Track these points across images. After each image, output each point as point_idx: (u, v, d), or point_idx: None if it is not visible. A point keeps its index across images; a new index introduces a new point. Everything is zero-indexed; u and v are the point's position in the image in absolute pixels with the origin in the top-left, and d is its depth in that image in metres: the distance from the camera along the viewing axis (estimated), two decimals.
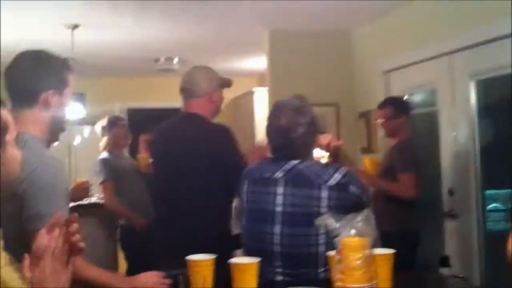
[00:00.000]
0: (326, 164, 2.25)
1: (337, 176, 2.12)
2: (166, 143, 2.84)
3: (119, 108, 7.92)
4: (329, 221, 1.64)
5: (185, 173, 2.68)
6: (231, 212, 2.82)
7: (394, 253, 1.80)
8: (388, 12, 4.47)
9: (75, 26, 4.62)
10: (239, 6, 4.31)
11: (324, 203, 2.07)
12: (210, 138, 2.69)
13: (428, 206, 3.89)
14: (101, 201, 4.56)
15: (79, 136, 7.54)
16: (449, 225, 3.84)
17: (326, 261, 1.99)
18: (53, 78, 1.88)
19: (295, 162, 2.16)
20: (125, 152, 4.58)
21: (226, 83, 2.89)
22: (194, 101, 2.78)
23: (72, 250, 1.34)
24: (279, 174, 2.16)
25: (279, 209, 2.12)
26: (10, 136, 1.32)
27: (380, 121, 3.87)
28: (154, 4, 4.13)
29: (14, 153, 1.35)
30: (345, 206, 2.02)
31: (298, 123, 2.15)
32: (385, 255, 1.78)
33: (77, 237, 1.35)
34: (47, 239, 1.32)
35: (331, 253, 1.77)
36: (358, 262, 1.57)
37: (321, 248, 2.06)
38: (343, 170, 2.16)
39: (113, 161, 4.26)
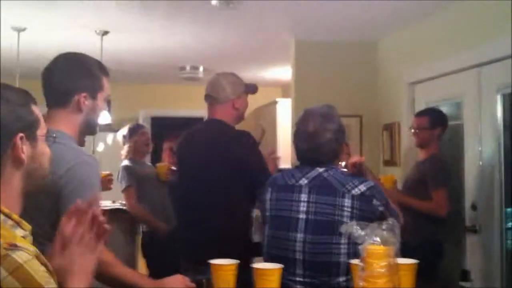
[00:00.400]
0: (352, 175, 2.25)
1: (362, 187, 2.14)
2: (189, 148, 2.89)
3: (143, 115, 8.02)
4: (354, 228, 1.64)
5: (206, 178, 2.71)
6: (251, 219, 2.83)
7: (418, 264, 1.79)
8: (414, 23, 4.46)
9: (105, 32, 4.70)
10: (266, 16, 4.35)
11: (347, 212, 2.09)
12: (231, 142, 2.72)
13: (451, 219, 3.85)
14: (124, 207, 4.61)
15: (102, 143, 7.62)
16: (471, 240, 3.80)
17: (347, 271, 2.02)
18: (86, 81, 1.92)
19: (320, 169, 2.19)
20: (147, 160, 4.61)
21: (251, 89, 2.91)
22: (217, 108, 2.82)
23: (98, 233, 1.36)
24: (304, 181, 2.19)
25: (302, 216, 2.14)
26: (41, 132, 1.36)
27: (413, 130, 3.80)
28: (182, 12, 4.19)
29: (44, 148, 1.39)
30: (368, 218, 2.02)
31: (326, 128, 2.19)
32: (408, 264, 1.77)
33: (101, 219, 1.37)
34: (71, 226, 1.35)
35: (354, 261, 1.77)
36: (382, 270, 1.57)
37: (343, 258, 2.07)
38: (370, 183, 2.17)
39: (135, 168, 4.30)
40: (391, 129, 4.89)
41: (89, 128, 1.99)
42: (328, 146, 2.19)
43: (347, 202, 2.10)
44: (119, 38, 4.96)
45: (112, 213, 4.57)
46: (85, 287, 1.33)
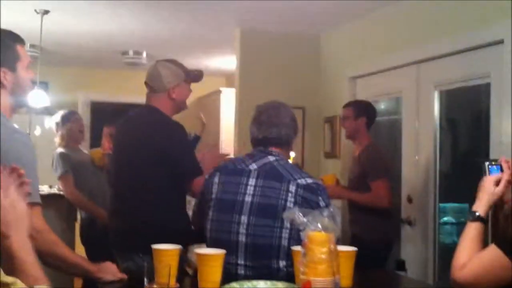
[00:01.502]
0: (301, 169, 2.35)
1: (308, 180, 2.22)
2: (122, 135, 2.85)
3: (82, 99, 7.81)
4: (296, 214, 1.67)
5: (133, 166, 2.69)
6: (183, 205, 2.81)
7: (368, 257, 1.84)
8: (358, 18, 4.55)
9: (46, 12, 4.55)
10: (212, 4, 4.33)
11: (291, 197, 2.14)
12: (156, 132, 2.67)
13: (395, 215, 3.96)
14: (61, 193, 4.49)
15: (39, 126, 7.39)
16: (406, 231, 3.93)
17: (288, 256, 2.08)
18: (3, 55, 1.82)
19: (271, 158, 2.26)
20: (83, 147, 4.52)
21: (194, 77, 2.86)
22: (153, 96, 2.77)
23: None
24: (253, 166, 2.25)
25: (248, 199, 2.19)
26: None
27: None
28: None
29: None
30: (311, 208, 2.06)
31: (282, 116, 2.31)
32: (348, 251, 1.82)
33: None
34: None
35: (296, 248, 1.80)
36: (323, 256, 1.60)
37: (284, 242, 2.12)
38: (318, 181, 2.28)
39: (71, 154, 4.20)
40: (332, 122, 4.98)
41: (19, 101, 1.90)
42: (283, 132, 2.29)
43: (292, 188, 2.16)
44: (61, 18, 4.81)
45: (49, 198, 4.45)
46: (22, 236, 1.30)
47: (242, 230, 2.16)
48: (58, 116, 4.38)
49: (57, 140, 4.34)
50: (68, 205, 4.47)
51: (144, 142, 2.66)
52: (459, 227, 3.81)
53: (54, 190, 4.88)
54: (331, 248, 1.63)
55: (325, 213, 1.68)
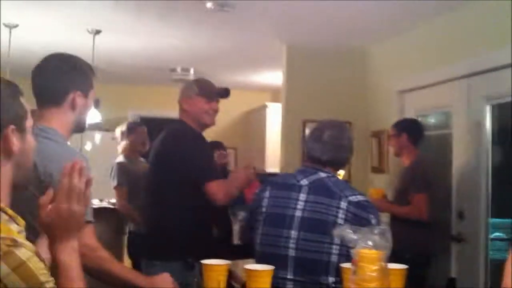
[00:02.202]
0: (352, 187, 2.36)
1: (360, 197, 2.23)
2: (153, 149, 3.06)
3: (132, 116, 7.98)
4: (346, 232, 1.66)
5: (156, 177, 2.88)
6: (203, 215, 2.85)
7: (406, 272, 1.81)
8: (405, 32, 4.50)
9: (98, 32, 4.69)
10: (258, 20, 4.37)
11: (342, 214, 2.15)
12: (171, 140, 2.88)
13: (438, 228, 3.89)
14: (112, 206, 4.58)
15: (90, 142, 7.58)
16: (457, 248, 3.83)
17: (337, 272, 2.05)
18: (80, 80, 1.95)
19: (323, 175, 2.28)
20: (141, 159, 4.59)
21: (215, 93, 3.00)
22: (179, 110, 3.00)
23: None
24: (304, 182, 2.27)
25: (298, 214, 2.20)
26: (28, 123, 1.36)
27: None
28: (175, 13, 4.20)
29: (31, 140, 1.39)
30: (361, 225, 2.04)
31: (344, 137, 2.34)
32: (398, 269, 1.79)
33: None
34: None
35: (346, 265, 1.78)
36: (374, 274, 1.59)
37: (333, 258, 2.13)
38: (368, 199, 2.29)
39: (128, 166, 4.30)
40: (379, 137, 4.92)
41: (80, 126, 2.02)
42: (340, 152, 2.33)
43: (343, 205, 2.17)
44: (111, 38, 4.95)
45: (99, 212, 4.54)
46: (73, 244, 1.34)
47: (292, 244, 2.17)
48: (124, 126, 4.47)
49: (119, 148, 4.45)
50: (117, 218, 4.56)
51: (163, 152, 2.86)
52: (509, 243, 3.71)
53: (105, 204, 4.97)
54: (382, 266, 1.61)
55: (376, 230, 1.67)
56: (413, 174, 3.68)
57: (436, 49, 4.16)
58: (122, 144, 4.43)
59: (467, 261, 3.72)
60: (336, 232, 1.76)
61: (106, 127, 7.59)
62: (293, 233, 2.17)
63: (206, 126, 2.97)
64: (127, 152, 4.38)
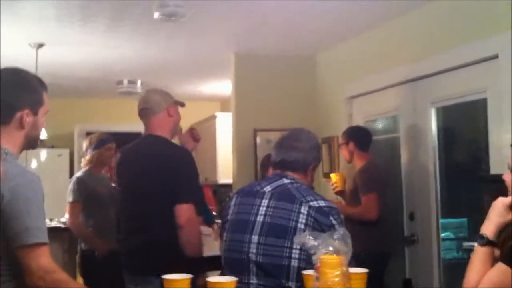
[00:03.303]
0: (316, 193, 2.36)
1: (321, 203, 2.22)
2: (129, 164, 2.92)
3: (78, 130, 7.82)
4: (307, 238, 1.66)
5: (142, 190, 2.76)
6: None
7: (367, 273, 1.83)
8: (351, 38, 4.59)
9: (41, 45, 4.57)
10: (206, 29, 4.36)
11: (303, 219, 2.15)
12: (170, 158, 2.76)
13: (391, 228, 3.96)
14: (62, 225, 4.46)
15: (35, 159, 7.37)
16: (410, 249, 3.91)
17: (299, 277, 2.06)
18: (28, 97, 1.87)
19: (286, 181, 2.29)
20: (105, 174, 4.45)
21: (180, 103, 2.98)
22: (153, 119, 2.86)
23: None
24: (268, 188, 2.30)
25: (259, 219, 2.22)
26: None
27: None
28: (123, 25, 4.14)
29: None
30: (323, 231, 2.05)
31: (302, 141, 2.35)
32: (359, 273, 1.80)
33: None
34: None
35: (308, 272, 1.78)
36: (336, 279, 1.59)
37: (294, 262, 2.13)
38: (331, 204, 2.27)
39: (88, 181, 4.16)
40: (329, 143, 4.98)
41: (30, 144, 1.95)
42: (302, 156, 2.33)
43: (304, 209, 2.17)
44: (55, 50, 4.83)
45: (49, 232, 4.41)
46: None
47: (253, 249, 2.18)
48: (94, 138, 4.32)
49: (83, 161, 4.31)
50: (69, 238, 4.43)
51: (149, 167, 2.74)
52: (459, 242, 3.82)
53: (55, 223, 4.84)
54: (344, 271, 1.62)
55: (336, 235, 1.68)
56: (364, 175, 3.79)
57: (382, 54, 4.25)
58: (87, 157, 4.29)
59: (421, 261, 3.81)
60: (297, 239, 1.77)
61: (51, 143, 7.42)
62: (254, 238, 2.19)
63: (175, 135, 2.94)
64: (92, 165, 4.25)
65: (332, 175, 4.10)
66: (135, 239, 2.78)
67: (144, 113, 2.89)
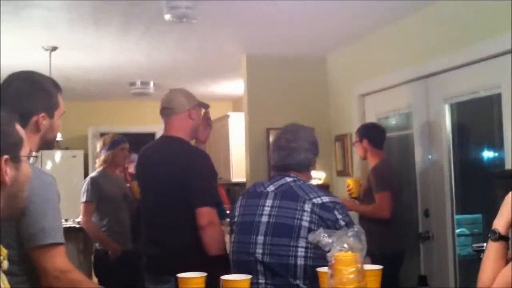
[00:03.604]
0: (320, 187, 2.35)
1: (325, 199, 2.21)
2: (148, 165, 2.90)
3: (92, 132, 7.88)
4: (321, 236, 1.66)
5: (161, 193, 2.74)
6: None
7: (381, 270, 1.83)
8: (363, 37, 4.58)
9: (54, 48, 4.61)
10: (218, 31, 4.37)
11: (307, 217, 2.15)
12: (182, 158, 2.73)
13: (406, 226, 3.95)
14: (77, 225, 4.48)
15: (50, 161, 7.43)
16: (425, 246, 3.90)
17: (305, 275, 2.11)
18: (44, 101, 1.88)
19: (289, 179, 2.28)
20: (119, 175, 4.48)
21: (204, 104, 2.97)
22: (174, 119, 2.84)
23: None
24: (271, 188, 2.29)
25: (264, 219, 2.22)
26: (24, 152, 1.31)
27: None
28: (135, 27, 4.16)
29: (27, 169, 1.34)
30: (328, 227, 2.07)
31: (300, 139, 2.32)
32: (374, 270, 1.80)
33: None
34: None
35: (322, 269, 1.79)
36: (351, 276, 1.59)
37: (300, 261, 2.13)
38: (335, 199, 2.27)
39: (102, 182, 4.19)
40: (343, 141, 4.98)
41: (46, 146, 1.96)
42: (300, 155, 2.30)
43: (307, 207, 2.17)
44: (68, 54, 4.88)
45: (64, 232, 4.45)
46: None
47: (259, 250, 2.20)
48: (107, 139, 4.35)
49: (98, 161, 4.34)
50: (85, 238, 4.47)
51: (168, 170, 2.72)
52: (474, 238, 3.81)
53: (70, 223, 4.87)
54: (358, 268, 1.62)
55: (350, 233, 1.68)
56: (377, 174, 3.78)
57: (393, 52, 4.24)
58: (101, 158, 4.32)
59: (436, 258, 3.79)
60: (311, 237, 1.77)
61: (65, 145, 7.48)
62: (260, 239, 2.20)
63: (194, 138, 2.92)
64: (106, 166, 4.28)
65: (349, 180, 4.08)
66: (157, 244, 2.76)
67: (165, 112, 2.86)
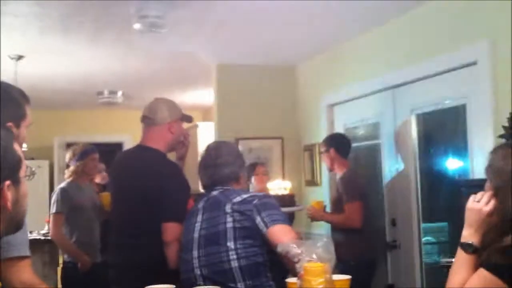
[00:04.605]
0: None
1: (244, 195, 2.26)
2: (119, 174, 2.87)
3: (58, 141, 7.76)
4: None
5: (130, 203, 2.71)
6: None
7: (352, 281, 1.84)
8: (331, 48, 4.63)
9: (20, 57, 4.53)
10: (187, 41, 4.36)
11: (229, 217, 2.20)
12: (154, 169, 2.69)
13: (374, 235, 3.99)
14: (43, 237, 4.40)
15: None
16: (392, 255, 3.94)
17: (244, 276, 2.15)
18: (11, 111, 1.82)
19: (215, 192, 2.34)
20: (90, 185, 4.40)
21: (187, 118, 2.93)
22: (153, 129, 2.80)
23: None
24: (201, 204, 2.35)
25: (196, 235, 2.28)
26: (22, 172, 1.28)
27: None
28: (104, 36, 4.12)
29: (25, 187, 1.30)
30: (249, 217, 2.15)
31: (224, 155, 2.38)
32: (342, 280, 1.81)
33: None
34: None
35: (292, 280, 1.79)
36: (320, 286, 1.60)
37: (234, 263, 2.17)
38: (258, 193, 2.37)
39: (72, 193, 4.11)
40: (311, 150, 5.01)
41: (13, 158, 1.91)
42: (224, 171, 2.36)
43: (228, 208, 2.22)
44: (35, 63, 4.81)
45: (30, 244, 4.36)
46: None
47: (196, 264, 2.24)
48: (77, 149, 4.27)
49: (67, 172, 4.26)
50: (50, 250, 4.38)
51: (139, 180, 2.68)
52: (440, 246, 3.87)
53: (35, 235, 4.78)
54: (327, 278, 1.63)
55: (319, 243, 1.69)
56: (346, 184, 3.81)
57: (362, 63, 4.29)
58: (70, 168, 4.24)
59: (403, 267, 3.83)
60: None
61: (31, 155, 7.35)
62: (195, 253, 2.26)
63: (171, 151, 2.86)
64: (76, 176, 4.20)
65: (313, 203, 4.06)
66: (122, 254, 2.72)
67: (146, 121, 2.82)
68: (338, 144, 4.00)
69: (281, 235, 2.07)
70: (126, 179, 2.77)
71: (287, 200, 3.93)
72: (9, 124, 1.82)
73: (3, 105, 1.82)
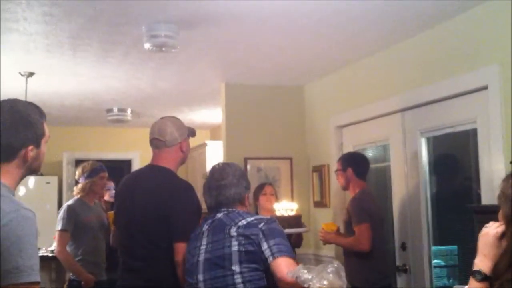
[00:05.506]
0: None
1: (249, 219, 2.27)
2: (130, 193, 2.83)
3: (67, 158, 7.78)
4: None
5: (142, 224, 2.68)
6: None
7: None
8: (340, 69, 4.63)
9: (31, 74, 4.56)
10: (196, 60, 4.38)
11: (235, 241, 2.21)
12: (167, 189, 2.68)
13: (384, 259, 3.93)
14: (50, 254, 4.39)
15: (24, 186, 7.30)
16: (402, 279, 3.89)
17: None
18: (31, 133, 1.80)
19: (219, 214, 2.36)
20: (97, 203, 4.36)
21: (192, 133, 2.94)
22: (165, 151, 2.79)
23: None
24: (205, 227, 2.36)
25: (201, 258, 2.29)
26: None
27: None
28: (114, 55, 4.15)
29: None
30: (253, 241, 2.17)
31: (228, 176, 2.41)
32: None
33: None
34: None
35: None
36: None
37: (239, 286, 2.18)
38: (264, 217, 2.34)
39: (79, 210, 4.11)
40: (320, 171, 4.98)
41: (32, 173, 1.90)
42: (228, 193, 2.38)
43: (233, 232, 2.23)
44: (45, 80, 4.83)
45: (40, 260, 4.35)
46: None
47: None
48: (87, 166, 4.27)
49: (75, 189, 4.26)
50: (57, 267, 4.36)
51: (152, 200, 2.67)
52: (449, 269, 3.80)
53: (43, 252, 4.77)
54: None
55: (330, 269, 1.67)
56: (355, 205, 3.71)
57: (372, 84, 4.28)
58: (79, 186, 4.24)
59: None
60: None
61: (40, 171, 7.36)
62: (200, 277, 2.27)
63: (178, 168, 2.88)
64: (84, 194, 4.20)
65: (324, 226, 3.94)
66: (134, 274, 2.69)
67: (156, 143, 2.82)
68: (357, 164, 3.87)
69: (284, 268, 2.07)
70: (137, 198, 2.74)
71: (293, 221, 3.89)
72: (31, 147, 1.81)
73: (22, 129, 1.80)
